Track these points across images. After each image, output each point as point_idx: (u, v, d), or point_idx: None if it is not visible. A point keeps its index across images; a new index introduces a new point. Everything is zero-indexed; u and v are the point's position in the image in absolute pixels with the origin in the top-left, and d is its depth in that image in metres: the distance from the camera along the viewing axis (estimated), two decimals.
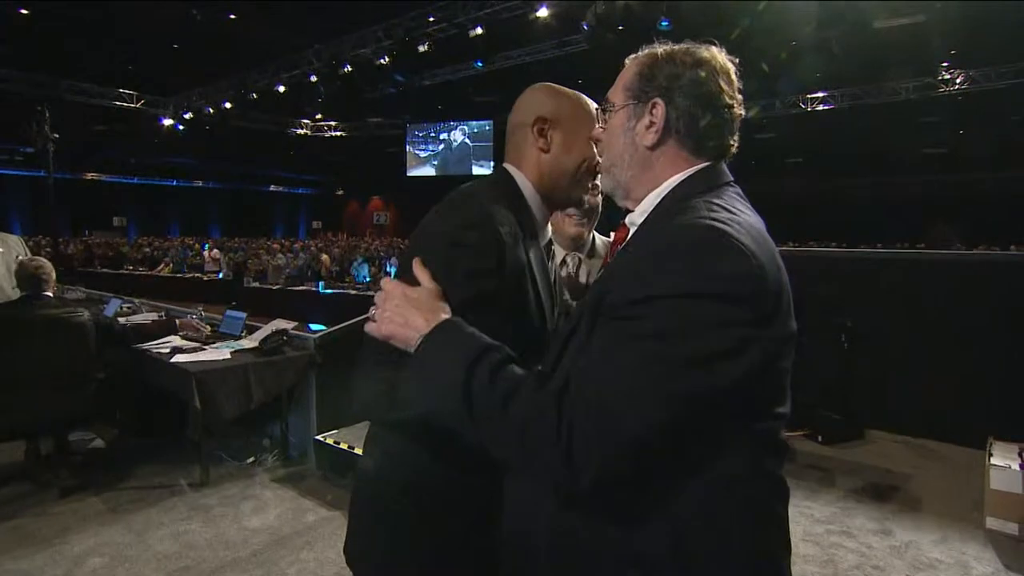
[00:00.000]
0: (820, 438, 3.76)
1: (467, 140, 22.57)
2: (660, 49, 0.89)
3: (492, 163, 21.69)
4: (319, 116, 22.47)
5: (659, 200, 0.88)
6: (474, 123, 22.32)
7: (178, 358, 3.29)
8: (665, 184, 0.88)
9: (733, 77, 0.89)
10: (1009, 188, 16.86)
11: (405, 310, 0.86)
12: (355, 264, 11.52)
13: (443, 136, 23.25)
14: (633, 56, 0.94)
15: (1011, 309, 3.58)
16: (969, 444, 3.57)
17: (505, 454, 0.78)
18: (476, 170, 21.95)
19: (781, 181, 21.49)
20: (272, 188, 31.38)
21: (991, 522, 2.75)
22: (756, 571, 0.79)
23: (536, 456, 0.72)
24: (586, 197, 1.15)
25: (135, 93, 17.11)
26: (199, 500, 3.10)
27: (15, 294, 3.67)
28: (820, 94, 16.52)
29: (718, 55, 0.88)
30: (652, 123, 0.87)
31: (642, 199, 0.91)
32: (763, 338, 0.71)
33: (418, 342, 0.83)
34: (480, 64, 14.29)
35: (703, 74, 0.86)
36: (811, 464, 3.51)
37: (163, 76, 16.45)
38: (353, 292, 9.31)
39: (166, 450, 3.66)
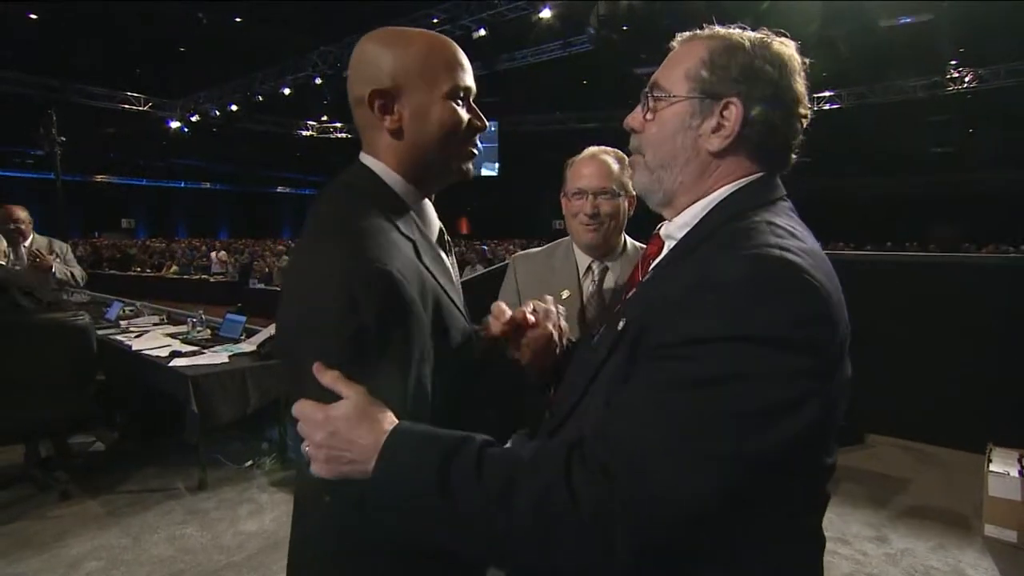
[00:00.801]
0: None
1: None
2: (733, 34, 0.76)
3: (498, 164, 21.74)
4: (325, 118, 22.58)
5: (706, 213, 0.76)
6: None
7: (176, 362, 3.32)
8: (715, 195, 0.76)
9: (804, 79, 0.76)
10: (1018, 188, 16.70)
11: (342, 438, 0.67)
12: None
13: None
14: (691, 35, 0.79)
15: (1013, 313, 3.54)
16: (970, 449, 3.54)
17: (526, 560, 0.62)
18: (484, 171, 22.03)
19: (789, 181, 21.41)
20: (279, 189, 31.58)
21: (990, 529, 2.72)
22: None
23: (558, 542, 0.58)
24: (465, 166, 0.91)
25: (142, 96, 17.25)
26: (197, 504, 3.12)
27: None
28: (826, 93, 16.40)
29: (794, 50, 0.77)
30: (722, 126, 0.74)
31: (684, 208, 0.79)
32: (830, 389, 0.63)
33: (371, 466, 0.66)
34: (486, 70, 14.34)
35: (783, 72, 0.74)
36: None
37: (170, 79, 16.58)
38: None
39: (165, 453, 3.68)
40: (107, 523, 2.91)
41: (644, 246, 1.56)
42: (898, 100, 15.78)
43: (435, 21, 12.43)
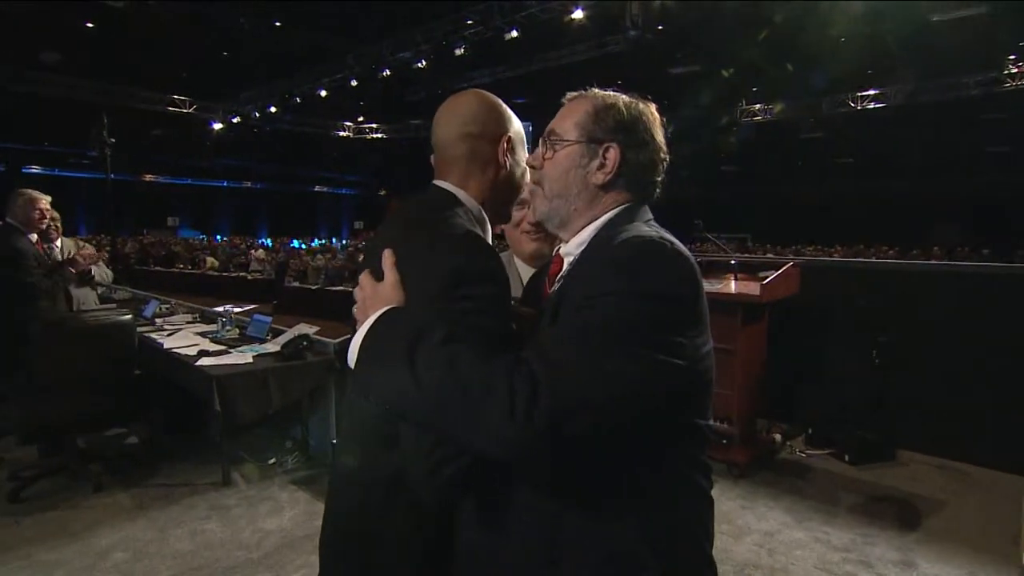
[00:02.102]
0: (847, 457, 3.60)
1: None
2: (608, 95, 0.98)
3: None
4: (361, 118, 22.98)
5: (596, 232, 0.95)
6: None
7: (203, 361, 3.42)
8: (601, 219, 0.96)
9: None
10: None
11: (365, 302, 0.89)
12: None
13: None
14: (577, 95, 1.01)
15: None
16: (1011, 470, 3.36)
17: (451, 419, 0.75)
18: None
19: (829, 182, 20.72)
20: (316, 189, 32.28)
21: None
22: (707, 554, 0.91)
23: (484, 410, 0.72)
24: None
25: (187, 99, 17.87)
26: (219, 500, 3.22)
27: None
28: (871, 92, 15.80)
29: (655, 109, 1.00)
30: (604, 164, 0.94)
31: (579, 230, 0.98)
32: (697, 341, 0.82)
33: (364, 329, 0.84)
34: (519, 70, 14.37)
35: (646, 124, 0.96)
36: (833, 485, 3.36)
37: (213, 82, 17.13)
38: None
39: (194, 449, 3.81)
40: (135, 516, 3.03)
41: None
42: (950, 98, 15.08)
43: (469, 23, 12.50)
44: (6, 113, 18.35)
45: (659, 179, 0.99)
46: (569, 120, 0.97)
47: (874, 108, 16.12)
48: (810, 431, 3.87)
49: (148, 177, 26.48)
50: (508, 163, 1.05)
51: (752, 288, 3.35)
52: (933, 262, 7.22)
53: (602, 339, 0.75)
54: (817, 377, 4.08)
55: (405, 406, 0.78)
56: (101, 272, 4.08)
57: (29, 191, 3.73)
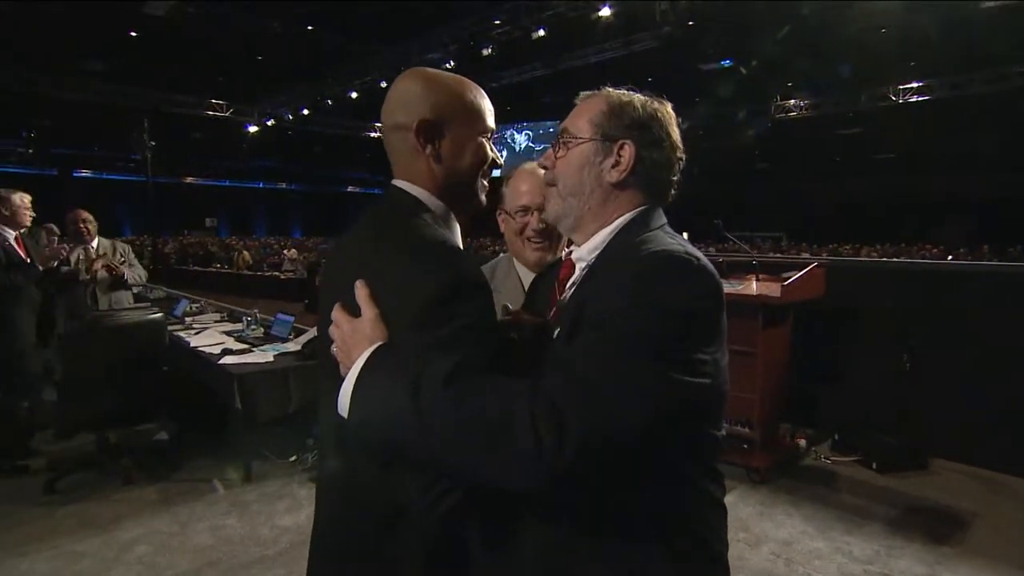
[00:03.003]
0: (874, 465, 3.47)
1: (530, 143, 22.70)
2: (623, 93, 0.96)
3: None
4: None
5: (612, 236, 0.93)
6: (539, 124, 22.38)
7: (225, 359, 3.52)
8: (616, 223, 0.94)
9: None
10: None
11: (346, 342, 0.82)
12: None
13: (513, 137, 23.50)
14: (591, 93, 0.99)
15: None
16: None
17: (467, 457, 0.71)
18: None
19: (869, 179, 20.04)
20: (349, 189, 32.84)
21: None
22: (723, 564, 0.91)
23: (505, 445, 0.68)
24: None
25: (224, 103, 18.40)
26: (240, 496, 3.30)
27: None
28: (913, 84, 15.19)
29: (670, 108, 0.97)
30: (618, 163, 0.92)
31: (591, 234, 0.96)
32: (719, 352, 0.82)
33: (354, 375, 0.78)
34: (547, 70, 14.33)
35: (663, 122, 0.94)
36: (858, 493, 3.24)
37: (248, 86, 17.60)
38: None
39: (218, 445, 3.91)
40: (159, 510, 3.13)
41: None
42: (999, 90, 14.38)
43: (496, 22, 12.51)
44: (57, 119, 19.25)
45: (675, 179, 0.97)
46: (583, 118, 0.96)
47: (916, 101, 15.50)
48: (836, 437, 3.75)
49: (188, 179, 27.38)
50: (433, 150, 0.93)
51: (773, 289, 3.26)
52: (966, 262, 6.88)
53: (627, 359, 0.73)
54: (844, 381, 3.95)
55: (414, 451, 0.75)
56: (134, 274, 4.21)
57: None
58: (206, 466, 3.66)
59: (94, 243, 4.06)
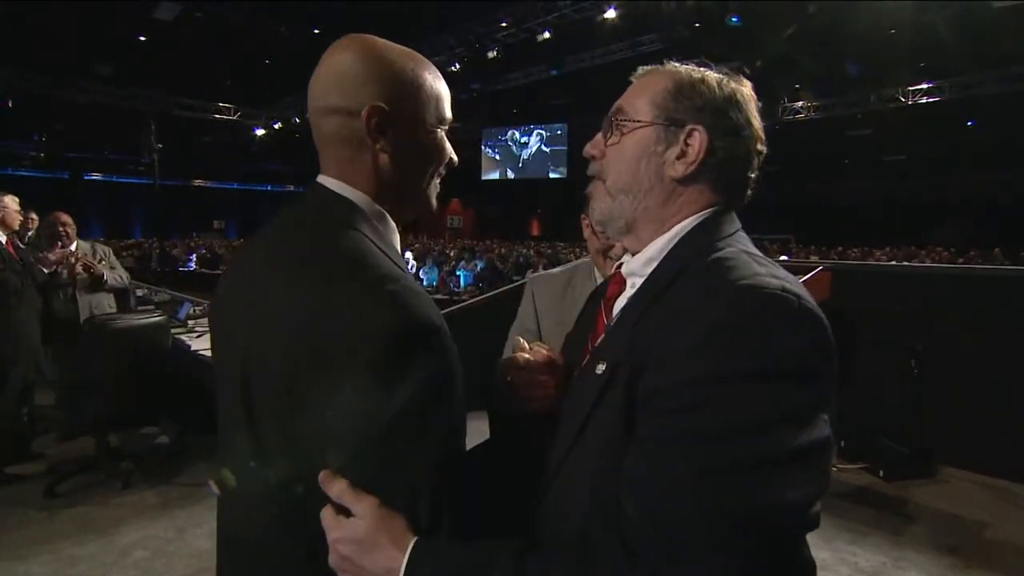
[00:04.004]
0: (882, 473, 3.41)
1: (543, 146, 22.63)
2: (694, 69, 0.78)
3: (566, 167, 21.62)
4: None
5: (672, 246, 0.75)
6: (548, 126, 22.34)
7: None
8: (676, 228, 0.76)
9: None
10: None
11: (354, 564, 0.65)
12: (424, 268, 11.83)
13: (523, 139, 23.47)
14: (652, 68, 0.81)
15: None
16: None
17: None
18: (552, 175, 22.01)
19: (878, 181, 19.87)
20: None
21: None
22: None
23: None
24: None
25: (232, 106, 18.52)
26: None
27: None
28: (924, 85, 15.04)
29: (750, 87, 0.80)
30: (685, 153, 0.75)
31: (647, 241, 0.78)
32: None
33: None
34: (555, 72, 14.31)
35: (742, 106, 0.77)
36: (864, 502, 3.18)
37: (256, 90, 17.70)
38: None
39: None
40: (158, 514, 3.12)
41: None
42: (1011, 90, 14.20)
43: (503, 24, 12.51)
44: (68, 123, 19.46)
45: (753, 176, 0.79)
46: (643, 97, 0.77)
47: (926, 103, 15.34)
48: (842, 443, 3.68)
49: (197, 182, 27.59)
50: (384, 143, 0.77)
51: None
52: (975, 266, 6.78)
53: (718, 475, 0.57)
54: (850, 386, 3.87)
55: None
56: (115, 275, 4.15)
57: None
58: (207, 470, 3.65)
59: (73, 246, 4.02)
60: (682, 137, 0.75)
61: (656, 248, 0.76)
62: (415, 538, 0.64)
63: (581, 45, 13.33)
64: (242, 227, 28.96)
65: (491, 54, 12.66)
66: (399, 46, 0.81)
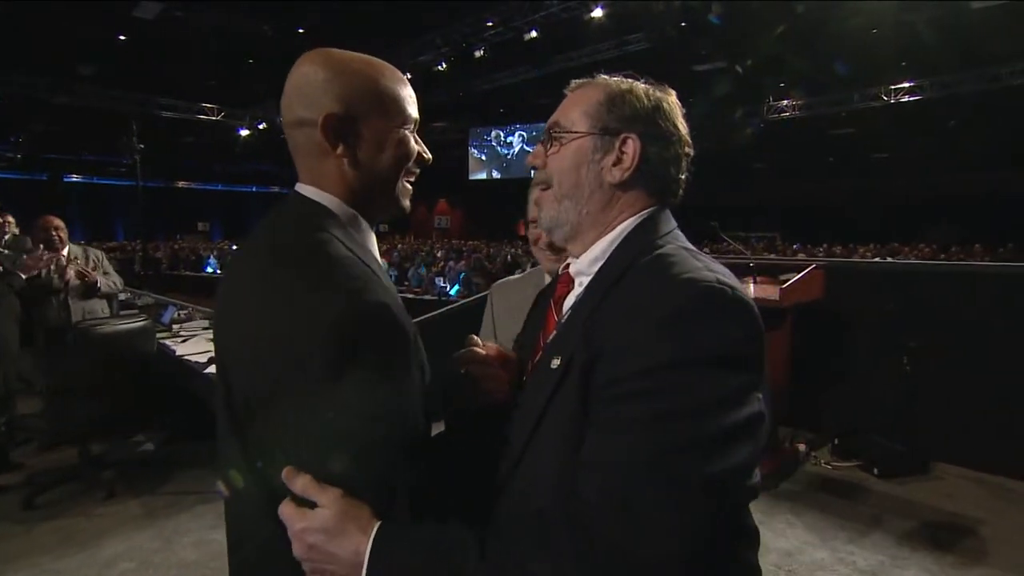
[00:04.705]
0: (876, 470, 3.40)
1: (526, 146, 22.67)
2: (622, 81, 0.85)
3: None
4: None
5: (613, 248, 0.81)
6: (532, 126, 22.35)
7: (212, 368, 3.42)
8: (618, 229, 0.82)
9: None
10: None
11: (321, 551, 0.68)
12: (412, 269, 11.74)
13: (507, 139, 23.46)
14: (584, 82, 0.88)
15: None
16: None
17: None
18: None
19: (862, 179, 20.08)
20: None
21: None
22: None
23: None
24: None
25: (215, 106, 18.27)
26: None
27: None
28: (905, 84, 15.23)
29: (675, 97, 0.86)
30: (621, 159, 0.80)
31: (590, 244, 0.83)
32: (763, 396, 0.70)
33: (365, 571, 0.66)
34: (539, 71, 14.30)
35: (668, 113, 0.83)
36: (860, 500, 3.18)
37: (240, 90, 17.48)
38: (410, 296, 9.56)
39: (206, 456, 3.81)
40: (143, 524, 3.03)
41: None
42: (993, 89, 14.40)
43: (489, 24, 12.45)
44: (47, 124, 19.06)
45: (683, 177, 0.85)
46: (577, 109, 0.83)
47: (908, 101, 15.51)
48: (836, 441, 3.68)
49: (181, 183, 27.18)
50: (344, 148, 0.80)
51: (771, 292, 3.20)
52: (967, 262, 6.86)
53: (671, 454, 0.61)
54: (844, 384, 3.89)
55: None
56: (109, 281, 4.06)
57: None
58: (192, 478, 3.56)
59: (65, 251, 3.93)
60: (617, 145, 0.80)
61: (600, 248, 0.82)
62: (379, 522, 0.67)
63: (568, 44, 13.31)
64: (227, 229, 28.59)
65: (478, 53, 12.59)
66: (360, 55, 0.85)
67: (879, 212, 19.45)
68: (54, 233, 3.83)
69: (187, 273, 15.52)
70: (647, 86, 0.84)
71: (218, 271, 15.11)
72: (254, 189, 29.67)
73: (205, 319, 4.97)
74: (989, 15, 10.80)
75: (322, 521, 0.67)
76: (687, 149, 0.84)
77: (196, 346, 3.94)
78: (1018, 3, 10.37)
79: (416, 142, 0.88)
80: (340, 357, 0.67)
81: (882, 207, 19.59)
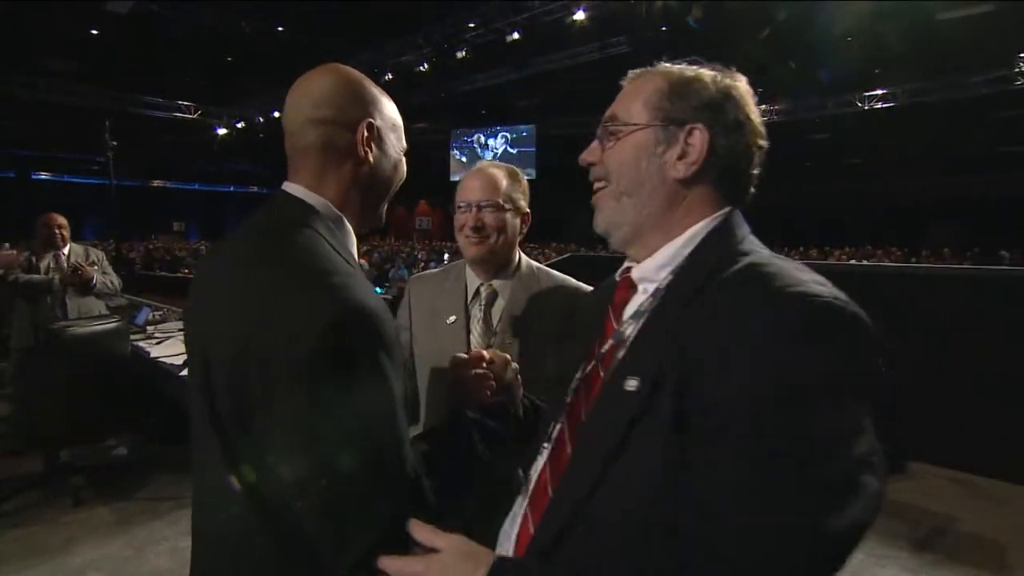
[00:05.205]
0: None
1: (509, 147, 22.65)
2: (686, 68, 0.77)
3: (535, 169, 21.67)
4: None
5: (688, 253, 0.73)
6: (514, 128, 22.36)
7: (187, 371, 3.33)
8: (689, 233, 0.74)
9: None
10: None
11: None
12: (392, 270, 11.65)
13: (489, 142, 23.42)
14: (643, 71, 0.80)
15: None
16: None
17: None
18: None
19: (837, 183, 20.49)
20: None
21: None
22: None
23: None
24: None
25: (192, 105, 17.95)
26: None
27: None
28: (878, 92, 15.59)
29: (746, 82, 0.78)
30: (686, 153, 0.73)
31: (655, 248, 0.76)
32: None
33: None
34: (521, 73, 14.32)
35: (739, 101, 0.75)
36: None
37: (217, 88, 17.20)
38: (389, 297, 9.46)
39: (181, 461, 3.70)
40: (114, 532, 2.93)
41: (541, 267, 1.47)
42: (961, 97, 14.81)
43: (471, 25, 12.43)
44: (16, 120, 18.53)
45: (755, 173, 0.78)
46: (636, 100, 0.76)
47: (881, 108, 15.87)
48: None
49: (156, 182, 26.64)
50: (371, 155, 0.85)
51: None
52: (942, 265, 7.03)
53: (798, 495, 0.56)
54: None
55: None
56: (107, 280, 3.96)
57: None
58: (168, 483, 3.47)
59: (66, 249, 3.83)
60: (682, 137, 0.73)
61: (668, 253, 0.74)
62: (496, 557, 0.67)
63: (550, 47, 13.34)
64: (204, 229, 28.12)
65: (460, 54, 12.56)
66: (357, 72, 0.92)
67: (853, 215, 19.87)
68: (57, 231, 3.76)
69: (162, 274, 15.17)
70: (715, 72, 0.76)
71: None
72: (232, 189, 29.23)
73: (181, 320, 4.85)
74: (956, 27, 11.14)
75: (442, 565, 0.67)
76: (760, 141, 0.77)
77: (171, 348, 3.84)
78: (985, 15, 10.71)
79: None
80: (332, 357, 0.67)
81: (855, 211, 20.02)
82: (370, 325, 0.70)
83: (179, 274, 14.98)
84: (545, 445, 0.81)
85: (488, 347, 1.31)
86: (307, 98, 0.84)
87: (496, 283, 1.42)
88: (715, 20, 10.41)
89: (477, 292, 1.43)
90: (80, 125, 15.74)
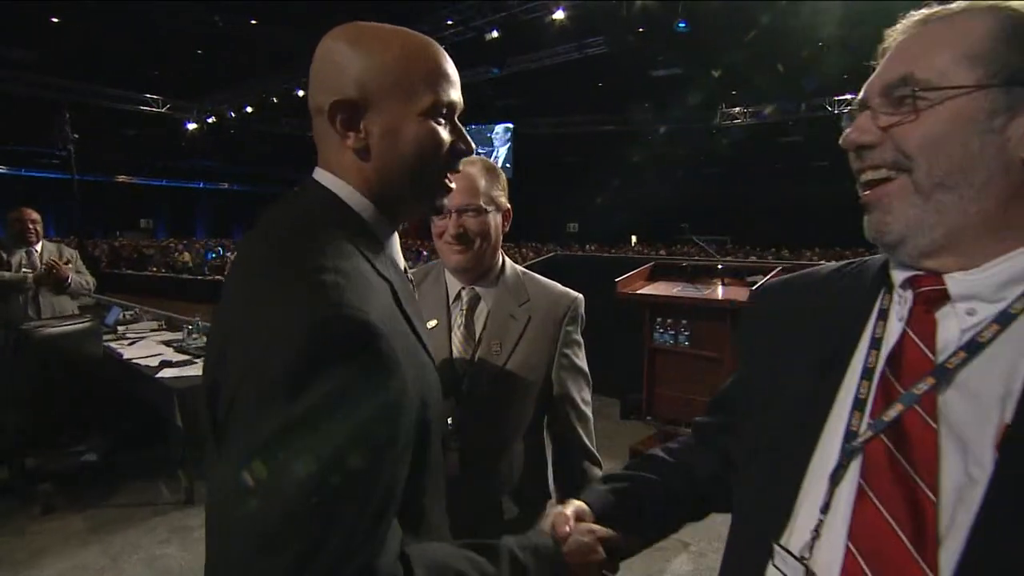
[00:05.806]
0: None
1: (480, 148, 22.66)
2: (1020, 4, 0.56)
3: (512, 167, 21.70)
4: None
5: None
6: (487, 126, 22.34)
7: (164, 372, 3.22)
8: None
9: None
10: None
11: None
12: None
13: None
14: (945, 10, 0.58)
15: None
16: None
17: None
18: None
19: (807, 185, 21.00)
20: (295, 190, 31.94)
21: None
22: None
23: None
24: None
25: (160, 98, 17.45)
26: (181, 521, 3.01)
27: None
28: (848, 96, 16.04)
29: None
30: None
31: (985, 257, 0.56)
32: None
33: None
34: (496, 71, 14.28)
35: None
36: None
37: (187, 82, 16.77)
38: None
39: (157, 465, 3.59)
40: (87, 540, 2.82)
41: (526, 271, 1.36)
42: None
43: (449, 23, 12.36)
44: None
45: None
46: (946, 52, 0.55)
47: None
48: None
49: (121, 178, 25.81)
50: (352, 142, 0.70)
51: (740, 294, 3.26)
52: None
53: None
54: None
55: None
56: (81, 280, 3.80)
57: None
58: (142, 489, 3.35)
59: (38, 246, 3.67)
60: None
61: (1018, 267, 0.54)
62: None
63: (529, 45, 13.36)
64: (172, 226, 27.37)
65: None
66: (392, 28, 0.75)
67: (825, 216, 20.37)
68: (30, 226, 3.60)
69: (129, 272, 14.71)
70: None
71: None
72: (201, 185, 28.49)
73: (154, 320, 4.70)
74: None
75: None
76: None
77: (145, 349, 3.72)
78: None
79: (455, 131, 0.75)
80: (296, 375, 0.56)
81: (825, 211, 20.54)
82: (357, 337, 0.58)
83: (147, 272, 14.56)
84: (822, 516, 0.58)
85: (473, 354, 1.24)
86: (315, 77, 0.73)
87: (479, 287, 1.31)
88: (696, 23, 10.55)
89: (459, 296, 1.32)
90: (39, 117, 15.16)
